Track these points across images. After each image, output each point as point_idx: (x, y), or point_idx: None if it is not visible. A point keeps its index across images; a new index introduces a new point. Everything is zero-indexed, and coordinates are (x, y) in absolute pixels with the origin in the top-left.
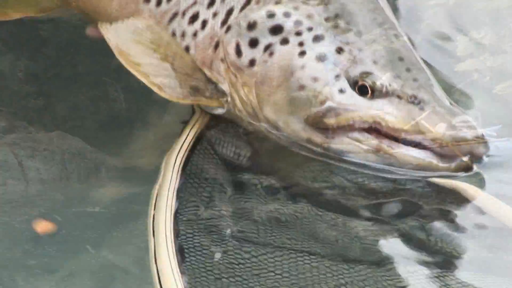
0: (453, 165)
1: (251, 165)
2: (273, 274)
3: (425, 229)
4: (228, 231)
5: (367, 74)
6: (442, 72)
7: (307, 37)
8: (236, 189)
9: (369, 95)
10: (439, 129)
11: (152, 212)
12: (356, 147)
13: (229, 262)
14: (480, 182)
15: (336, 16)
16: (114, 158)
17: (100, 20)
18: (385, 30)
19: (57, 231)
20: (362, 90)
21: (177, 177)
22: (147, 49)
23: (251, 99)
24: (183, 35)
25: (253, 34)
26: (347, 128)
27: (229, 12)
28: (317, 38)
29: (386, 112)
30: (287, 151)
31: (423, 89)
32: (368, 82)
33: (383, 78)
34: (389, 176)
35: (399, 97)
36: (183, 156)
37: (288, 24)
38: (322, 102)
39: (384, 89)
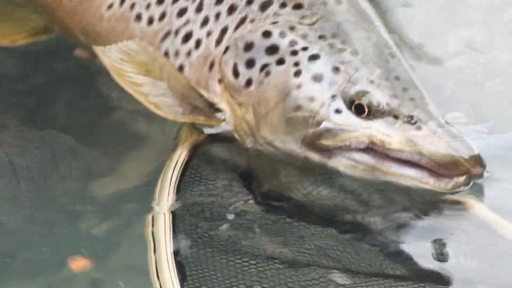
0: (449, 185)
1: (246, 182)
2: None
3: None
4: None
5: (363, 93)
6: (434, 69)
7: (302, 56)
8: (234, 213)
9: (365, 114)
10: (437, 149)
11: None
12: (353, 167)
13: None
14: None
15: (332, 35)
16: (106, 157)
17: (89, 41)
18: (380, 49)
19: (94, 267)
20: (358, 109)
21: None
22: (141, 70)
23: (248, 119)
24: (176, 54)
25: (250, 55)
26: (344, 148)
27: (224, 31)
28: (312, 58)
29: (383, 132)
30: (283, 165)
31: (419, 109)
32: (364, 101)
33: (380, 98)
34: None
35: (395, 116)
36: (176, 178)
37: (284, 44)
38: (319, 123)
39: (381, 109)
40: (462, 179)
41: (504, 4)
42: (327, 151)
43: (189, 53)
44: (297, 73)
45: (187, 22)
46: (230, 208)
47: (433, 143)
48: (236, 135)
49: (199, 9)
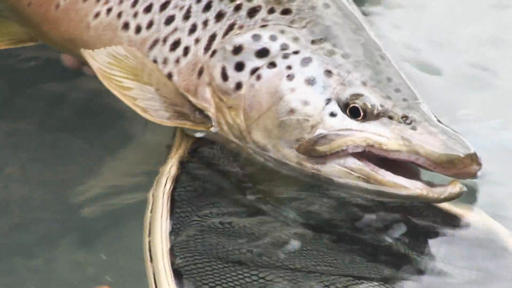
0: (443, 195)
1: (237, 187)
2: None
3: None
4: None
5: (357, 96)
6: (445, 66)
7: (294, 60)
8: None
9: (360, 117)
10: (433, 148)
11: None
12: (347, 174)
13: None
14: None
15: (322, 39)
16: (112, 159)
17: (76, 50)
18: (370, 51)
19: None
20: (353, 112)
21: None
22: (130, 75)
23: (238, 122)
24: (165, 62)
25: (239, 58)
26: (340, 154)
27: (212, 38)
28: (305, 61)
29: (379, 134)
30: (274, 173)
31: (413, 109)
32: (359, 103)
33: (374, 100)
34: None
35: (390, 117)
36: (171, 185)
37: (275, 47)
38: (313, 126)
39: (375, 111)
40: (455, 189)
41: None
42: (322, 158)
43: (177, 61)
44: (290, 77)
45: (175, 29)
46: (222, 212)
47: (429, 142)
48: (225, 140)
49: (186, 16)
